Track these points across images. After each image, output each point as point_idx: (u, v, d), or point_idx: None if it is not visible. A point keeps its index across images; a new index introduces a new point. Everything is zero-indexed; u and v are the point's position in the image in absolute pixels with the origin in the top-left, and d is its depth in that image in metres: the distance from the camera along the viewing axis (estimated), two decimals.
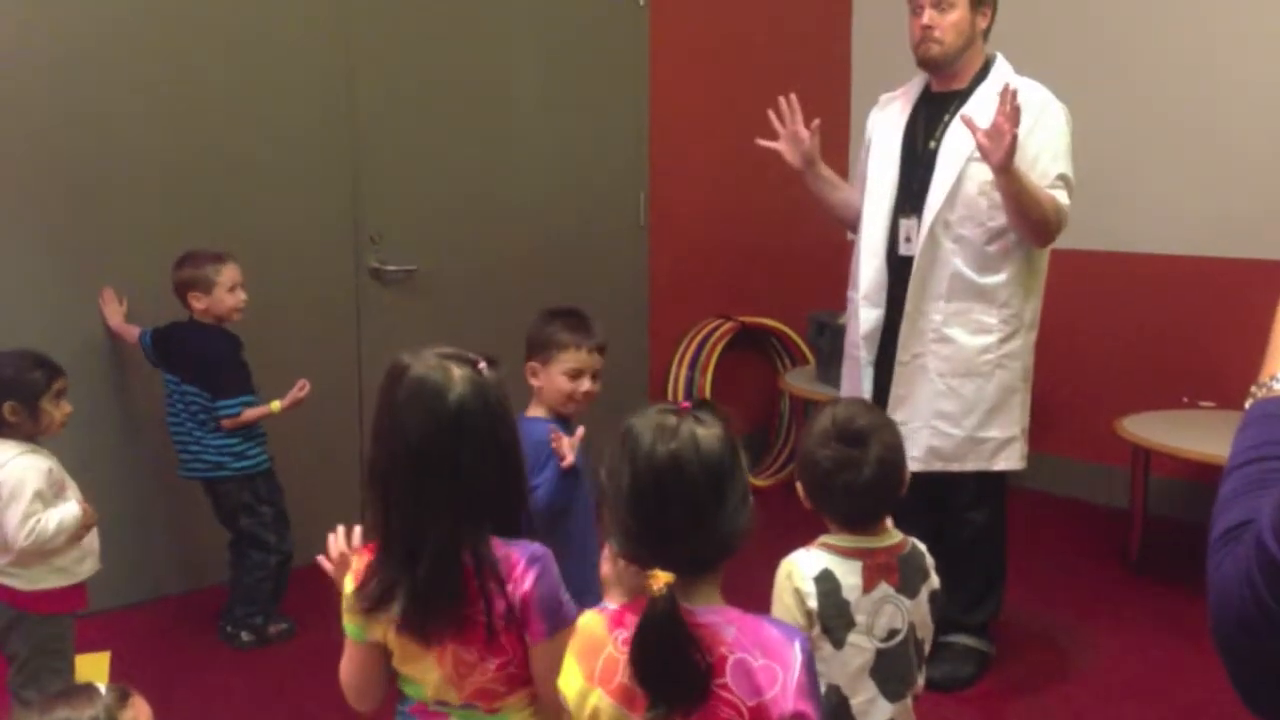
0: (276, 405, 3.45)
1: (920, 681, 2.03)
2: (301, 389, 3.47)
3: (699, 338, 5.16)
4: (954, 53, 3.08)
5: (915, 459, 3.02)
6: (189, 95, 3.75)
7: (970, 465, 3.15)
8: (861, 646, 1.93)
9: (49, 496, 2.59)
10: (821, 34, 5.63)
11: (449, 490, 1.64)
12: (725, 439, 1.48)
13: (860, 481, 1.93)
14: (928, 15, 3.05)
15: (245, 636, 3.48)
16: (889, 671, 1.95)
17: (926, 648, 2.05)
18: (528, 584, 1.65)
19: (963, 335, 3.09)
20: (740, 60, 5.20)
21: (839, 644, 1.91)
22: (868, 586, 1.94)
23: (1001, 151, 2.79)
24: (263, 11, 3.90)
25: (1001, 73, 3.11)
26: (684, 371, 5.10)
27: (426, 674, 1.71)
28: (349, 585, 1.73)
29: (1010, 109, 2.76)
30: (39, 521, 2.54)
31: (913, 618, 1.98)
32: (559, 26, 4.65)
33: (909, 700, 1.99)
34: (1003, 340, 3.11)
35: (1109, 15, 4.77)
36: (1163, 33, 4.62)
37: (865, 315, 3.19)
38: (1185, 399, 4.51)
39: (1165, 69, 4.62)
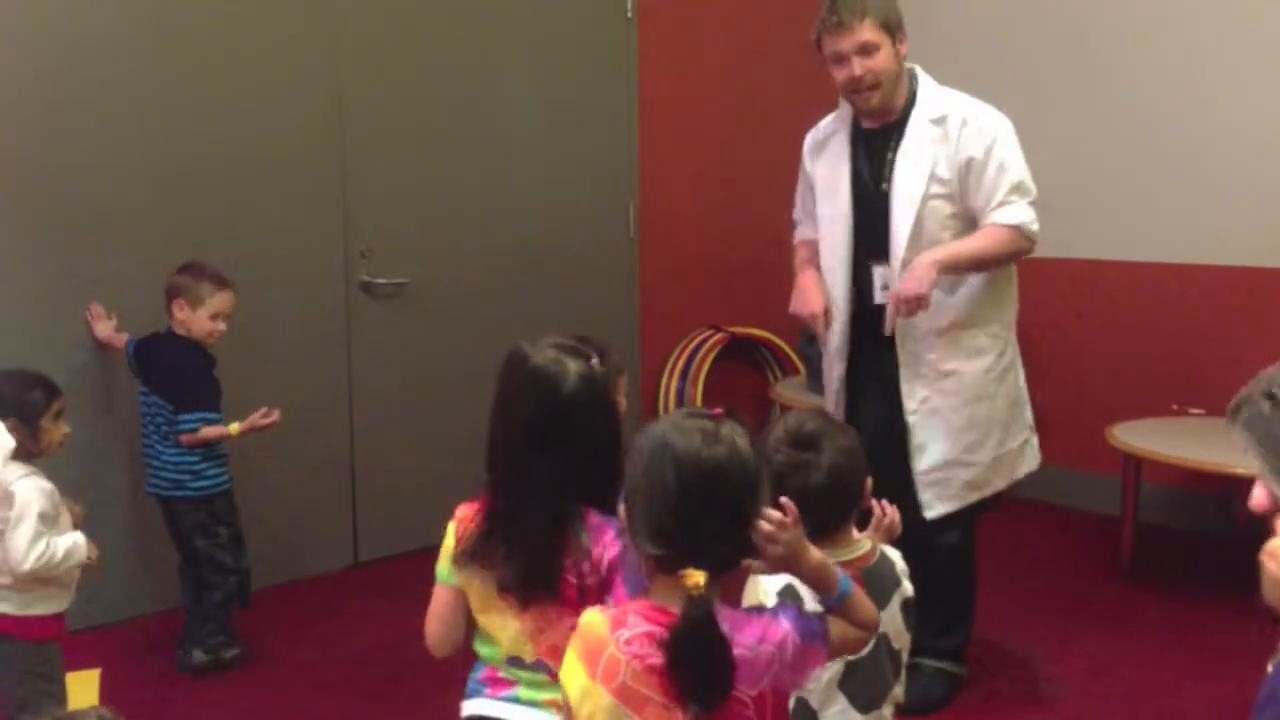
0: (235, 428, 3.36)
1: (899, 690, 2.02)
2: (265, 415, 3.38)
3: (689, 348, 5.16)
4: (890, 91, 3.01)
5: (953, 498, 3.06)
6: (178, 109, 3.76)
7: (999, 484, 3.16)
8: None
9: (51, 519, 2.56)
10: (809, 45, 5.63)
11: (556, 474, 1.78)
12: (755, 445, 1.53)
13: (813, 485, 1.90)
14: (857, 65, 2.97)
15: (199, 656, 3.38)
16: (860, 683, 1.94)
17: (905, 655, 2.03)
18: (616, 550, 1.76)
19: (963, 364, 3.07)
20: (728, 71, 5.20)
21: None
22: None
23: (916, 299, 2.87)
24: (252, 25, 3.91)
25: (927, 93, 3.04)
26: (675, 382, 5.10)
27: (503, 628, 1.83)
28: (450, 534, 1.86)
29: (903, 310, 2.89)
30: (48, 546, 2.51)
31: (885, 628, 1.95)
32: (548, 39, 4.66)
33: (886, 711, 1.98)
34: (999, 356, 3.12)
35: (1095, 26, 4.78)
36: (1153, 42, 4.64)
37: (835, 371, 3.22)
38: (1175, 406, 4.52)
39: (1154, 76, 4.63)
